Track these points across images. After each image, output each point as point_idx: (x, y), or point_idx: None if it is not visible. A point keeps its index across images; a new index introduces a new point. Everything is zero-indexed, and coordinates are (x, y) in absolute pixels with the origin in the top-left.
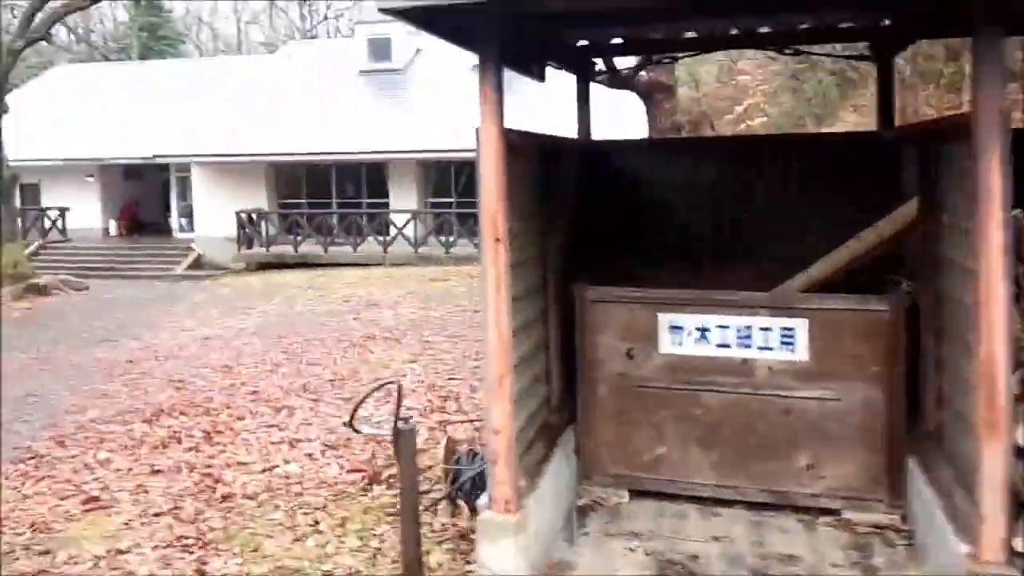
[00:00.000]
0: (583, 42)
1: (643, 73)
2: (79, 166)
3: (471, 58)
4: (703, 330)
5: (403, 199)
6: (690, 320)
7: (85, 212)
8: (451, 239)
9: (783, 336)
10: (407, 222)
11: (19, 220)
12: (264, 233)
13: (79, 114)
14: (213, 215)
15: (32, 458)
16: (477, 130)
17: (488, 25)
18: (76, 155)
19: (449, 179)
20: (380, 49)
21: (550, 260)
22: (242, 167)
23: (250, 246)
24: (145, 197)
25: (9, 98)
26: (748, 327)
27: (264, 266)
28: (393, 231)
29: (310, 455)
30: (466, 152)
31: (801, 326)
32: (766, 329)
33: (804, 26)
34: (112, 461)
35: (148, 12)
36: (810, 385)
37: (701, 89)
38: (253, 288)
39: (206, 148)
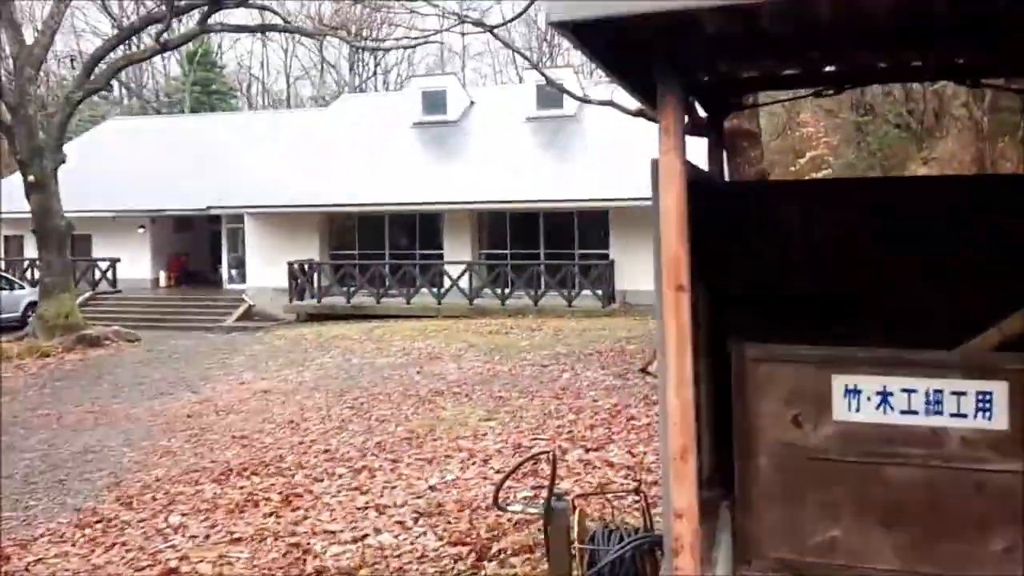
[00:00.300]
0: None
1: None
2: (131, 218)
3: (523, 110)
4: (885, 394)
5: (457, 250)
6: (870, 383)
7: (135, 263)
8: (506, 291)
9: (979, 401)
10: (462, 273)
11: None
12: (316, 284)
13: (132, 166)
14: (264, 266)
15: (99, 521)
16: (655, 162)
17: (668, 41)
18: (129, 207)
19: (504, 230)
20: (434, 101)
21: (701, 311)
22: (294, 218)
23: (302, 297)
24: (194, 248)
25: (64, 149)
26: (939, 391)
27: (315, 317)
28: (447, 282)
29: (401, 523)
30: (520, 203)
31: (999, 389)
32: (959, 393)
33: (960, 60)
34: (187, 526)
35: (201, 67)
36: (1009, 457)
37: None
38: (308, 340)
39: (259, 199)
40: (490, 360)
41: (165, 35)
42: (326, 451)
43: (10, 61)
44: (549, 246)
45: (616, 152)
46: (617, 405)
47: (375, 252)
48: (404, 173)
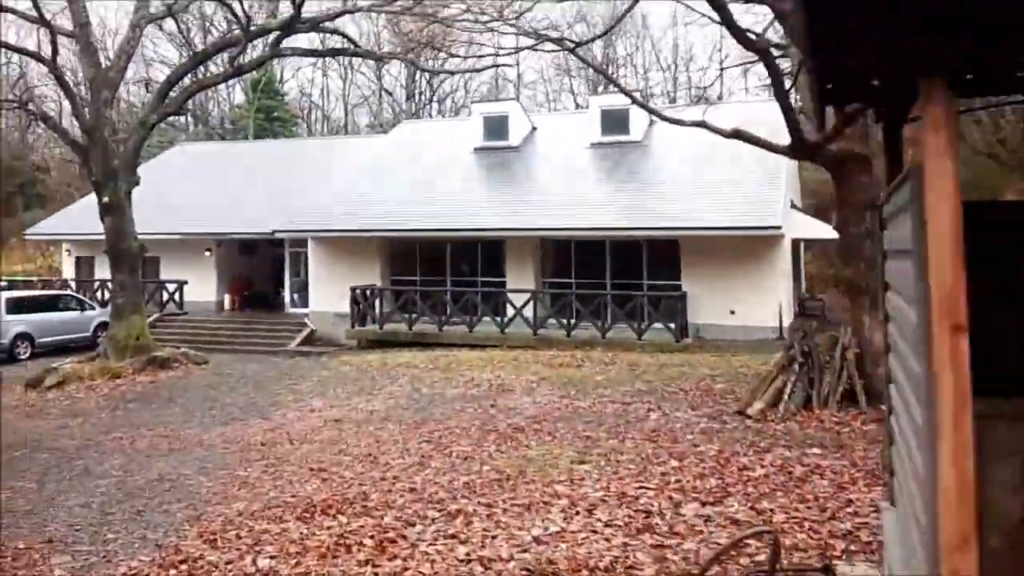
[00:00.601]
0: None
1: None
2: (198, 241)
3: (587, 135)
4: None
5: (519, 278)
6: None
7: (201, 286)
8: (572, 321)
9: None
10: (526, 302)
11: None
12: (378, 310)
13: (198, 190)
14: (326, 291)
15: (183, 561)
16: (914, 170)
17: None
18: (195, 230)
19: (568, 258)
20: (496, 127)
21: None
22: (356, 243)
23: (363, 323)
24: (258, 272)
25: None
26: None
27: (377, 344)
28: (510, 311)
29: None
30: (585, 231)
31: None
32: None
33: None
34: (278, 572)
35: (265, 95)
36: None
37: None
38: (373, 367)
39: (323, 224)
40: (566, 395)
41: (239, 59)
42: (411, 489)
43: (85, 85)
44: (616, 276)
45: (687, 179)
46: (723, 452)
47: (436, 279)
48: (465, 199)
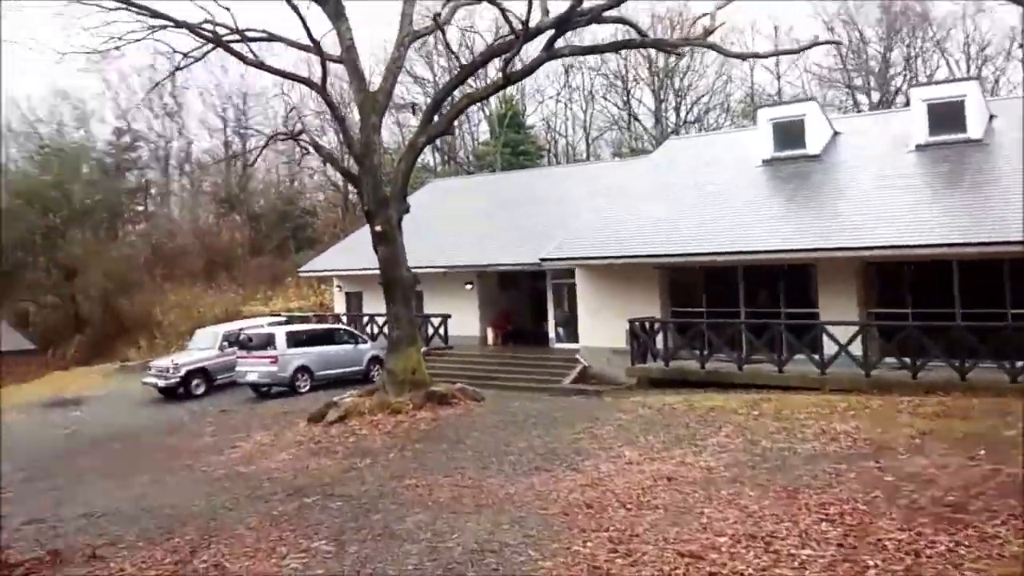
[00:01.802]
0: None
1: None
2: (460, 274)
3: (907, 137)
4: None
5: (835, 307)
6: None
7: (462, 320)
8: (917, 361)
9: None
10: (852, 337)
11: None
12: (664, 345)
13: (455, 223)
14: (597, 324)
15: None
16: None
17: None
18: (457, 263)
19: (900, 283)
20: (789, 134)
21: None
22: (630, 272)
23: (644, 360)
24: (517, 306)
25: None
26: None
27: (660, 383)
28: (828, 347)
29: None
30: (922, 249)
31: None
32: None
33: None
34: None
35: (510, 129)
36: None
37: None
38: (677, 411)
39: (593, 251)
40: (974, 455)
41: (510, 67)
42: None
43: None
44: (970, 303)
45: None
46: None
47: (725, 310)
48: (758, 218)
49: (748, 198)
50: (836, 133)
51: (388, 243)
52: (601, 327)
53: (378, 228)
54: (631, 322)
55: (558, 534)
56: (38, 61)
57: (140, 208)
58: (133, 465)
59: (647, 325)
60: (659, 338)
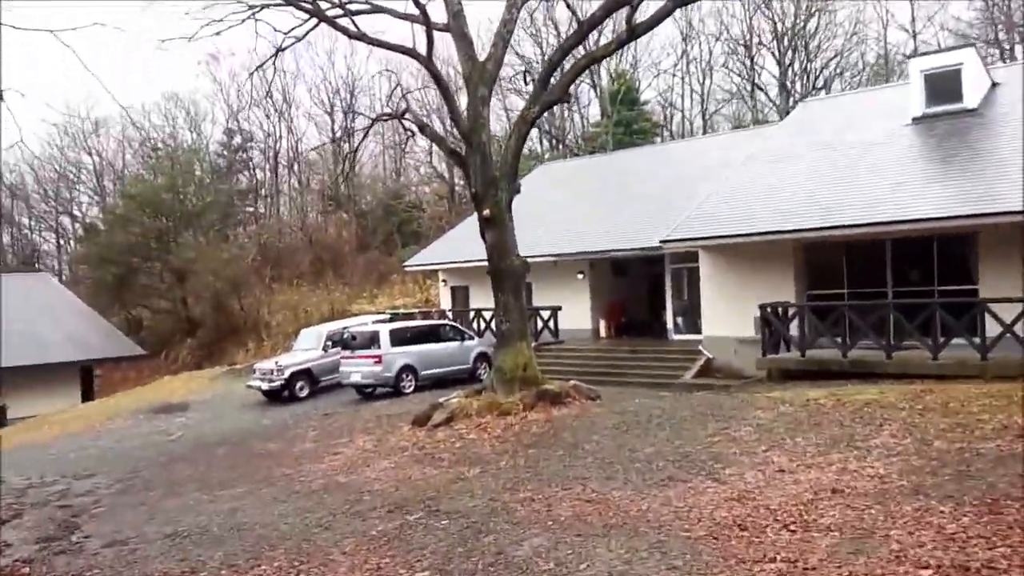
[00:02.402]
0: None
1: None
2: (571, 263)
3: None
4: None
5: (999, 283)
6: None
7: (573, 312)
8: None
9: None
10: (1020, 315)
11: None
12: (801, 332)
13: (565, 209)
14: (722, 312)
15: None
16: None
17: None
18: (568, 251)
19: None
20: (943, 86)
21: None
22: (760, 251)
23: (776, 350)
24: (631, 295)
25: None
26: None
27: (796, 375)
28: (991, 328)
29: None
30: None
31: None
32: None
33: None
34: None
35: (623, 106)
36: None
37: None
38: (824, 407)
39: (717, 230)
40: None
41: (634, 18)
42: None
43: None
44: None
45: None
46: None
47: (870, 290)
48: (908, 183)
49: (897, 161)
50: (995, 84)
51: (497, 228)
52: (727, 315)
53: (486, 212)
54: (762, 308)
55: (711, 566)
56: (150, 63)
57: (250, 209)
58: (231, 473)
59: (780, 310)
60: (793, 325)
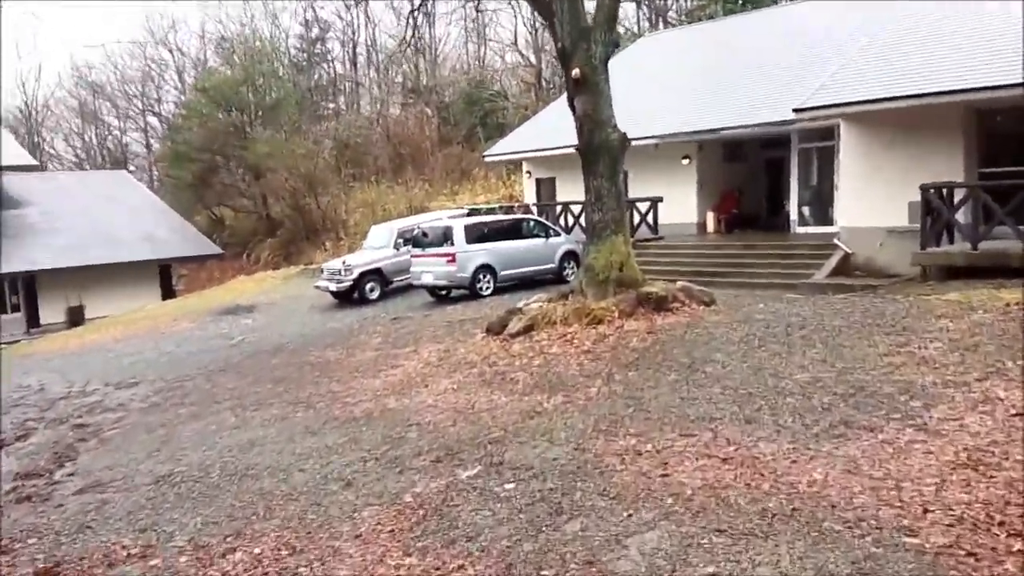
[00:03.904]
0: None
1: None
2: (675, 146)
3: None
4: None
5: None
6: None
7: (675, 204)
8: None
9: None
10: None
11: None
12: (974, 220)
13: (673, 86)
14: (867, 197)
15: None
16: None
17: None
18: (673, 130)
19: None
20: None
21: None
22: (915, 120)
23: (938, 241)
24: (745, 184)
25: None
26: None
27: (961, 272)
28: None
29: None
30: None
31: None
32: None
33: None
34: None
35: None
36: None
37: None
38: (1014, 317)
39: (866, 94)
40: None
41: None
42: None
43: None
44: None
45: None
46: None
47: None
48: None
49: None
50: None
51: (589, 92)
52: (871, 201)
53: (576, 71)
54: (924, 188)
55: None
56: None
57: (331, 106)
58: (274, 388)
59: (947, 193)
60: (962, 212)
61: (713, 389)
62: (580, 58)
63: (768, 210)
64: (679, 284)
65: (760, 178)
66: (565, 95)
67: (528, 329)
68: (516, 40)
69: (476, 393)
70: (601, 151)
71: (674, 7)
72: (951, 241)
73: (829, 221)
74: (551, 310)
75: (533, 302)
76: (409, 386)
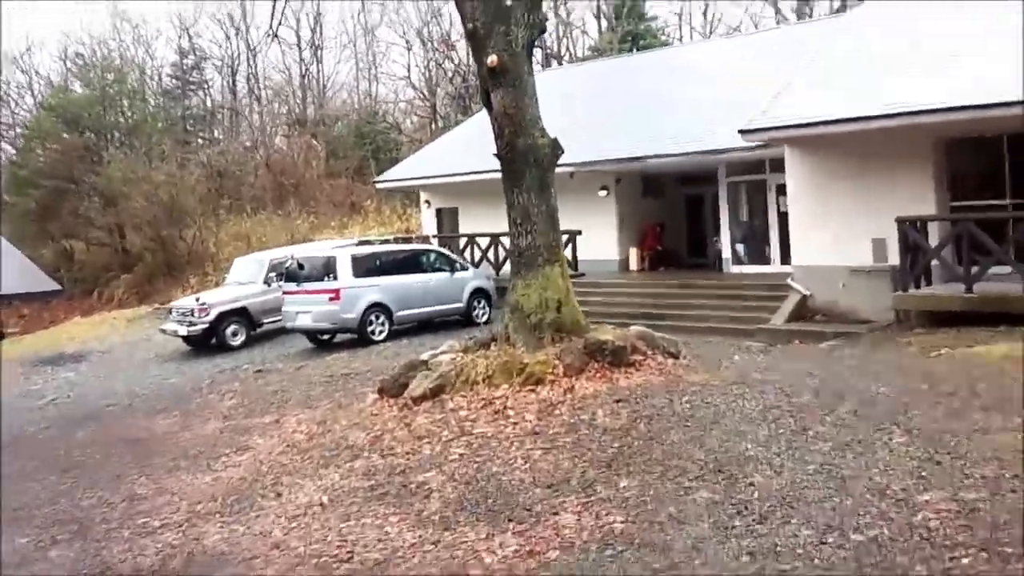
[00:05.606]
0: None
1: None
2: (592, 176)
3: None
4: None
5: None
6: None
7: (598, 238)
8: None
9: None
10: None
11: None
12: (961, 259)
13: (585, 115)
14: (824, 234)
15: None
16: None
17: None
18: (591, 158)
19: None
20: None
21: None
22: (874, 147)
23: (918, 283)
24: (666, 220)
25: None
26: None
27: (946, 319)
28: None
29: None
30: None
31: None
32: None
33: None
34: None
35: (628, 21)
36: None
37: None
38: None
39: (816, 115)
40: None
41: None
42: None
43: None
44: None
45: None
46: None
47: None
48: None
49: None
50: None
51: (510, 84)
52: (829, 237)
53: (492, 59)
54: (901, 222)
55: None
56: None
57: (204, 135)
58: (49, 486)
59: (920, 225)
60: (961, 247)
61: (785, 525)
62: (497, 43)
63: (690, 248)
64: (634, 329)
65: (680, 215)
66: (468, 120)
67: (438, 391)
68: (409, 74)
69: (359, 518)
70: (527, 161)
71: (566, 57)
72: (928, 282)
73: (766, 260)
74: (468, 364)
75: (442, 352)
76: (252, 493)
